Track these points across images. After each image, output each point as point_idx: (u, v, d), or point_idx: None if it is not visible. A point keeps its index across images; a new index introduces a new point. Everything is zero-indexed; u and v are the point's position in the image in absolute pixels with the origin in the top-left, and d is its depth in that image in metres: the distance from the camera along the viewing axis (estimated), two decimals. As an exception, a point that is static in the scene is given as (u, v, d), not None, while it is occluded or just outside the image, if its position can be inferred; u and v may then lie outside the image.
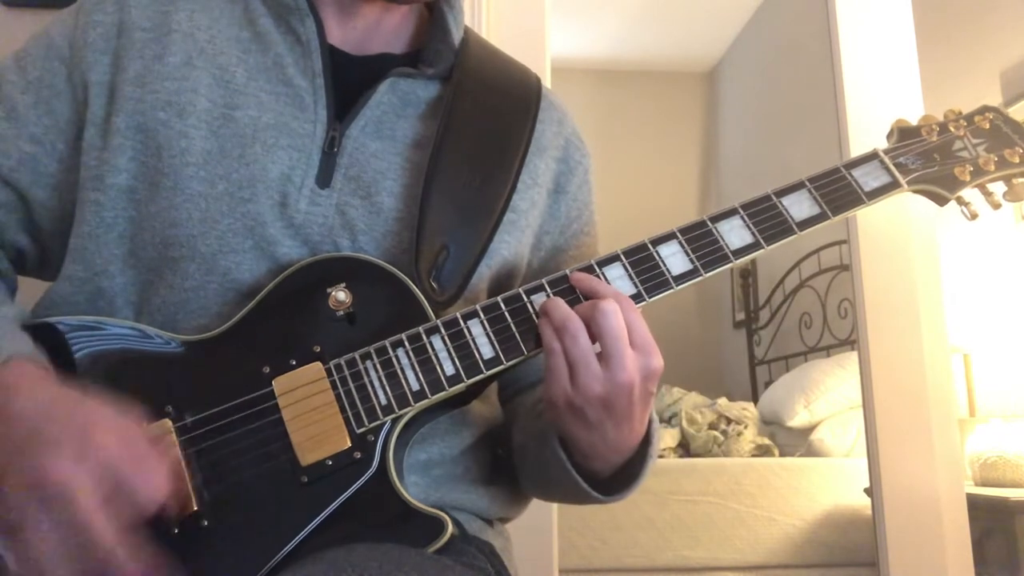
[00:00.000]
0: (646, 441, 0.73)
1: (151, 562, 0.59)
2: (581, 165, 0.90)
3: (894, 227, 1.86)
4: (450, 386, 0.69)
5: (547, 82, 1.62)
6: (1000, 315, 2.67)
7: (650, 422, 0.73)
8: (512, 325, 0.71)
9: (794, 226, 0.76)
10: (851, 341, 3.30)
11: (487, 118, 0.82)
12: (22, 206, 0.79)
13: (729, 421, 3.41)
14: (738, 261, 0.75)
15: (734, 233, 0.75)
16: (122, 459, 0.59)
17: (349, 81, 0.80)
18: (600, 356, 0.66)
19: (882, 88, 1.91)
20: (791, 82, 4.11)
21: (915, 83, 1.93)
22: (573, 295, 0.72)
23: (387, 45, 0.86)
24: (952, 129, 0.84)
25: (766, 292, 4.41)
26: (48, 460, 0.57)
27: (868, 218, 1.86)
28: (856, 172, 0.79)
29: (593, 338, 0.67)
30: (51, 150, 0.78)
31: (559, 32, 4.19)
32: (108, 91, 0.77)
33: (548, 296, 0.71)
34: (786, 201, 0.77)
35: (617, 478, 0.74)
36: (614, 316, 0.66)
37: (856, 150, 0.82)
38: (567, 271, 0.73)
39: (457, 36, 0.85)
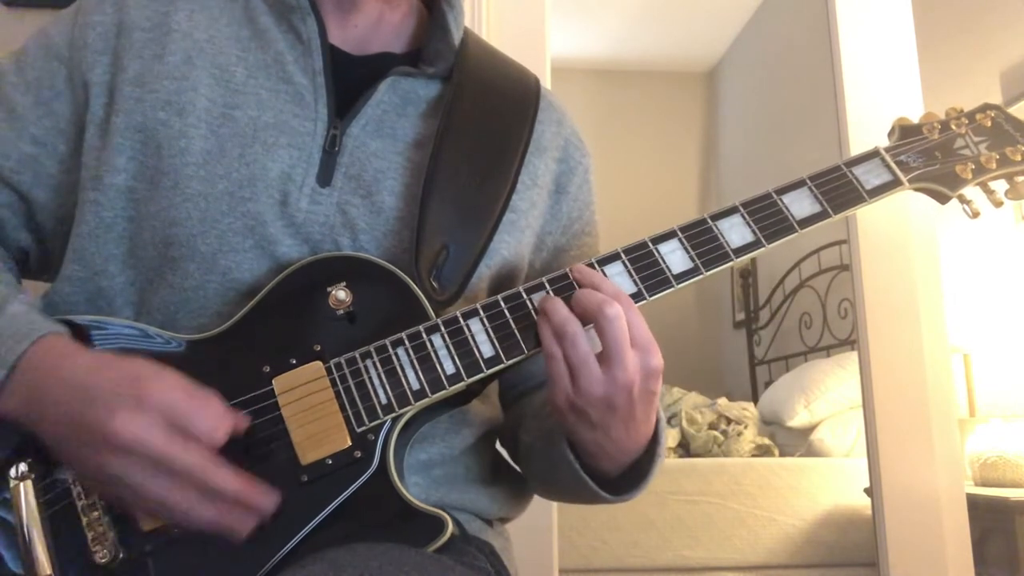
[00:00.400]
0: (654, 440, 0.73)
1: (246, 477, 0.63)
2: (581, 165, 0.90)
3: (894, 227, 1.86)
4: (450, 385, 0.69)
5: (547, 82, 1.62)
6: (1000, 315, 2.67)
7: (658, 421, 0.73)
8: (512, 324, 0.70)
9: (795, 224, 0.76)
10: (851, 341, 3.31)
11: (487, 118, 0.82)
12: (23, 207, 0.79)
13: (729, 421, 3.41)
14: (739, 259, 0.75)
15: (735, 231, 0.75)
16: (176, 399, 0.62)
17: (350, 80, 0.80)
18: (600, 357, 0.67)
19: (882, 88, 1.91)
20: (791, 82, 4.11)
21: (915, 83, 1.93)
22: (572, 292, 0.72)
23: (387, 44, 0.85)
24: (954, 127, 0.84)
25: (766, 292, 4.41)
26: (111, 421, 0.60)
27: (868, 218, 1.87)
28: (857, 170, 0.79)
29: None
30: (52, 151, 0.78)
31: (559, 32, 4.19)
32: (108, 91, 0.77)
33: (548, 291, 0.71)
34: (787, 199, 0.77)
35: (626, 477, 0.74)
36: (618, 321, 0.66)
37: (856, 150, 0.82)
38: (567, 269, 0.73)
39: (457, 36, 0.85)
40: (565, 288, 0.72)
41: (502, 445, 0.90)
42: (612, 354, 0.66)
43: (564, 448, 0.72)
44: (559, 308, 0.68)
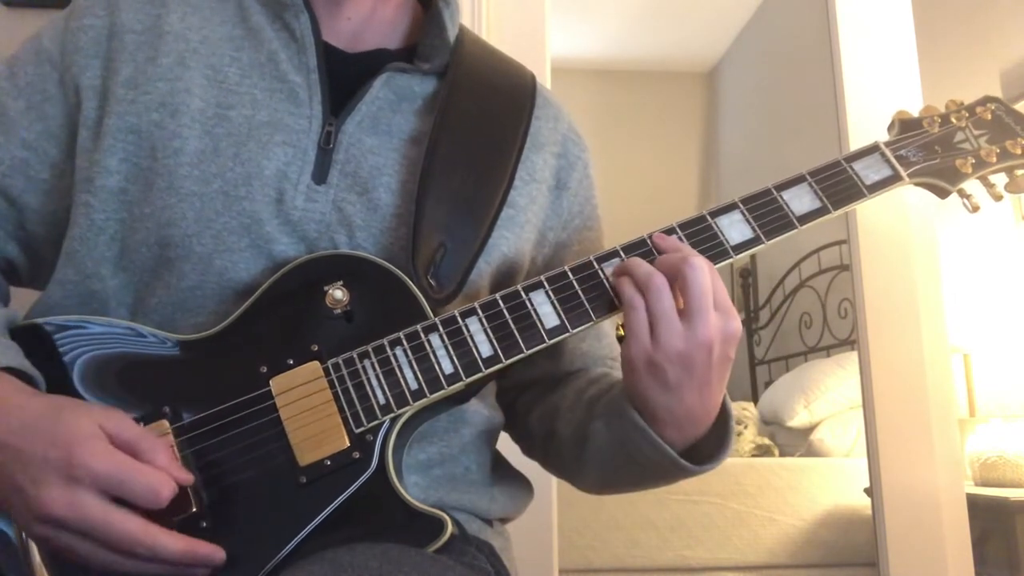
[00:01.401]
0: (722, 418, 0.72)
1: (189, 540, 0.62)
2: (580, 160, 0.90)
3: (894, 227, 1.86)
4: (448, 385, 0.68)
5: (547, 82, 1.62)
6: (1000, 315, 2.68)
7: (725, 402, 0.72)
8: (510, 323, 0.70)
9: (795, 220, 0.76)
10: (851, 341, 3.30)
11: (482, 114, 0.82)
12: (13, 213, 0.78)
13: (729, 421, 3.41)
14: (738, 256, 0.75)
15: (734, 228, 0.75)
16: (111, 466, 0.60)
17: (344, 77, 0.79)
18: (681, 312, 0.66)
19: (882, 88, 1.91)
20: (791, 82, 4.10)
21: (915, 83, 1.93)
22: (573, 290, 0.71)
23: (382, 40, 0.85)
24: (954, 120, 0.83)
25: (766, 292, 4.41)
26: (41, 495, 0.59)
27: (868, 218, 1.86)
28: (857, 165, 0.79)
29: (674, 295, 0.67)
30: (43, 156, 0.77)
31: (559, 32, 4.19)
32: (100, 94, 0.76)
33: (546, 290, 0.71)
34: (786, 195, 0.77)
35: (686, 456, 0.72)
36: (702, 272, 0.66)
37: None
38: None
39: (452, 32, 0.85)
40: (565, 287, 0.71)
41: (528, 449, 0.90)
42: (695, 308, 0.66)
43: (632, 413, 0.70)
44: (643, 263, 0.69)
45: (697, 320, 0.66)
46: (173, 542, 0.61)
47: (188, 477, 0.64)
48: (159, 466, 0.62)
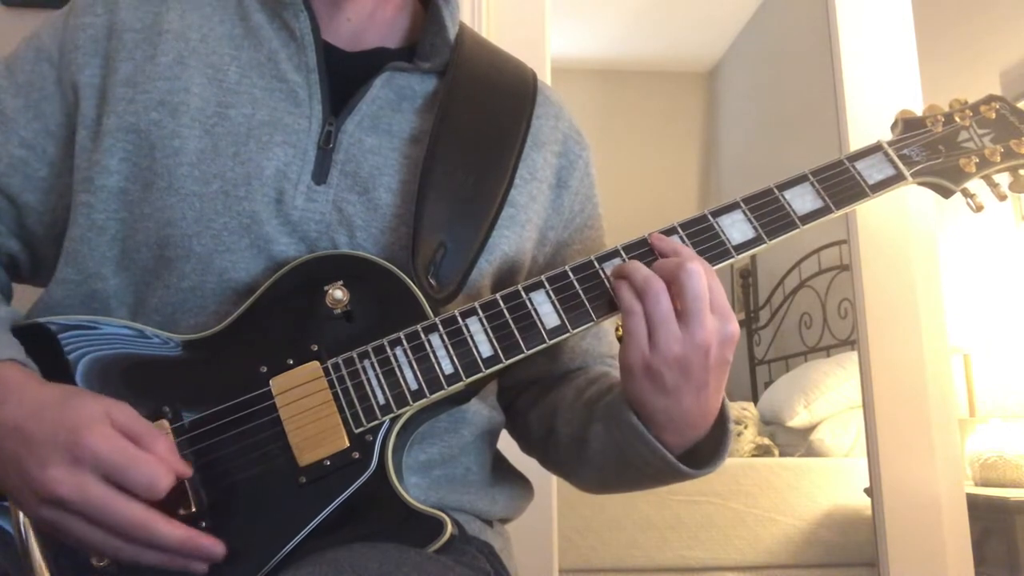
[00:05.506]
0: (720, 421, 0.72)
1: (189, 530, 0.62)
2: (581, 158, 0.90)
3: (894, 227, 1.86)
4: (448, 385, 0.68)
5: (547, 82, 1.61)
6: (1000, 315, 2.68)
7: (723, 404, 0.72)
8: (511, 323, 0.70)
9: (797, 220, 0.75)
10: (851, 341, 3.30)
11: (483, 113, 0.82)
12: (13, 211, 0.78)
13: (729, 421, 3.41)
14: (739, 256, 0.74)
15: (736, 227, 0.75)
16: (114, 451, 0.60)
17: (344, 76, 0.79)
18: (679, 316, 0.66)
19: (882, 88, 1.91)
20: (791, 82, 4.10)
21: (915, 83, 1.93)
22: (573, 290, 0.71)
23: (382, 40, 0.85)
24: (957, 119, 0.83)
25: (766, 292, 4.41)
26: (46, 475, 0.59)
27: (868, 218, 1.86)
28: (860, 164, 0.78)
29: (672, 299, 0.67)
30: (41, 154, 0.77)
31: (559, 32, 4.18)
32: (99, 93, 0.76)
33: (547, 290, 0.71)
34: (788, 194, 0.76)
35: (685, 459, 0.72)
36: (699, 277, 0.66)
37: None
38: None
39: (453, 30, 0.84)
40: (566, 287, 0.71)
41: (527, 447, 0.90)
42: (692, 312, 0.66)
43: (631, 417, 0.70)
44: (641, 267, 0.69)
45: (694, 324, 0.66)
46: (172, 530, 0.61)
47: (187, 470, 0.64)
48: (160, 457, 0.62)
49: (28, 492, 0.60)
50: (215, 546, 0.62)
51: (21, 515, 0.63)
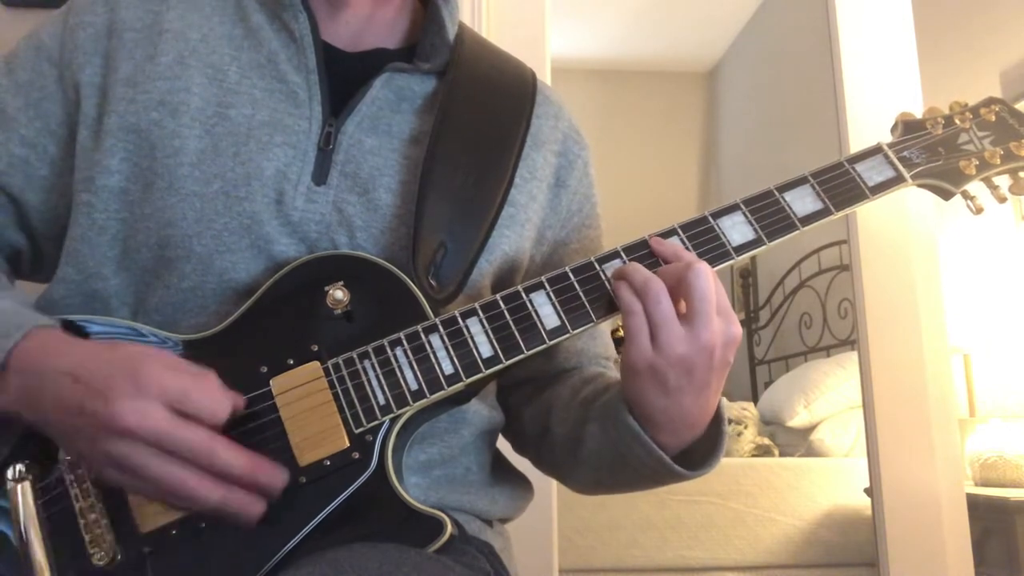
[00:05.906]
0: (715, 422, 0.72)
1: (253, 454, 0.63)
2: (580, 158, 0.90)
3: (894, 227, 1.86)
4: (449, 385, 0.68)
5: (547, 82, 1.62)
6: (1000, 315, 2.68)
7: (719, 405, 0.72)
8: (511, 323, 0.70)
9: (797, 222, 0.75)
10: (851, 341, 3.30)
11: (483, 113, 0.82)
12: (15, 208, 0.78)
13: (729, 421, 3.41)
14: (739, 257, 0.74)
15: (736, 229, 0.75)
16: (175, 380, 0.62)
17: (344, 77, 0.79)
18: (683, 316, 0.66)
19: (882, 88, 1.91)
20: (791, 82, 4.10)
21: (915, 83, 1.93)
22: (574, 291, 0.71)
23: (382, 40, 0.85)
24: (957, 122, 0.83)
25: (766, 292, 4.41)
26: (111, 408, 0.60)
27: (868, 218, 1.87)
28: (859, 166, 0.79)
29: (675, 300, 0.67)
30: (42, 153, 0.77)
31: (559, 32, 4.19)
32: (100, 92, 0.76)
33: (547, 291, 0.71)
34: (788, 196, 0.76)
35: (680, 460, 0.72)
36: (706, 277, 0.66)
37: (856, 151, 0.81)
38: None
39: (452, 31, 0.84)
40: (566, 287, 0.71)
41: (520, 446, 0.90)
42: (698, 312, 0.66)
43: (627, 418, 0.70)
44: (641, 268, 0.69)
45: (700, 324, 0.66)
46: (238, 455, 0.62)
47: (241, 400, 0.65)
48: (217, 385, 0.64)
49: (90, 433, 0.60)
50: (279, 473, 0.63)
51: (22, 513, 0.63)
